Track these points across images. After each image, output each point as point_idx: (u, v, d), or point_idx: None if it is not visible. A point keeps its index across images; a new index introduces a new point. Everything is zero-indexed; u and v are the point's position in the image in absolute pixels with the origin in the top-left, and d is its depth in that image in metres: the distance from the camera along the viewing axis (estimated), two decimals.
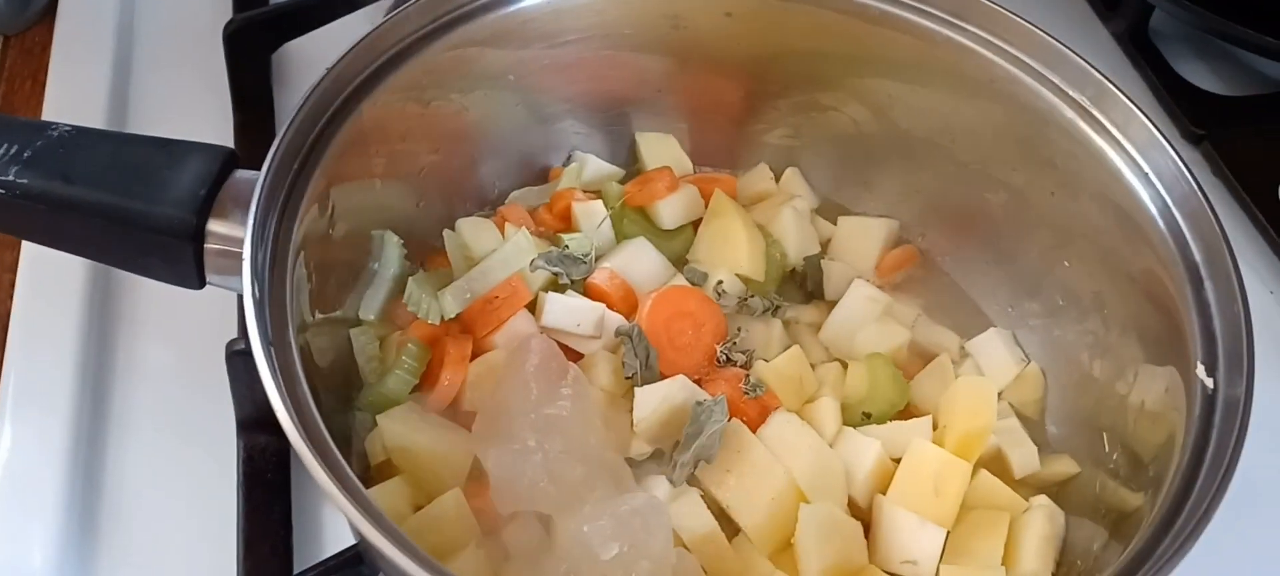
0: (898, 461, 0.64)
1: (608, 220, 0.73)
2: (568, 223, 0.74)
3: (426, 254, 0.71)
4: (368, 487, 0.56)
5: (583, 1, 0.70)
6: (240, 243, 0.52)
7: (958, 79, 0.69)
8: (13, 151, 0.56)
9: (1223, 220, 0.59)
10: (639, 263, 0.72)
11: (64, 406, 0.69)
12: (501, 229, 0.72)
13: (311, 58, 0.91)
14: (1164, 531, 0.51)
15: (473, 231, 0.71)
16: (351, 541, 0.61)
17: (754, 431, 0.64)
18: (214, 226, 0.55)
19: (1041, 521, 0.62)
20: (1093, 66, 0.64)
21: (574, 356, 0.67)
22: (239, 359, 0.64)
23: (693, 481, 0.63)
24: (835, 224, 0.78)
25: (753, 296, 0.72)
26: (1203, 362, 0.56)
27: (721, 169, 0.80)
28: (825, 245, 0.78)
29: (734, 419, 0.64)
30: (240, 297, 0.51)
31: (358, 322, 0.66)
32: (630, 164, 0.79)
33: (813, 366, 0.70)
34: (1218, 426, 0.53)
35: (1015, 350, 0.71)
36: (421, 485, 0.61)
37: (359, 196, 0.65)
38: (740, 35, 0.74)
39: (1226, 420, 0.53)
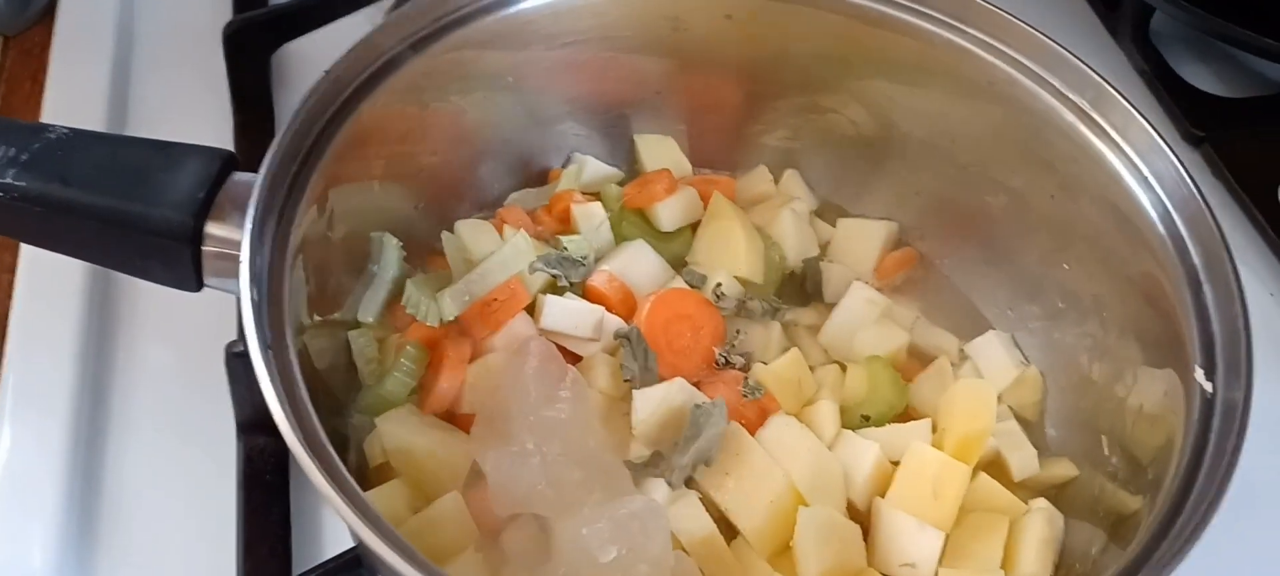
0: (897, 464, 0.64)
1: (607, 222, 0.73)
2: (567, 225, 0.74)
3: (425, 256, 0.71)
4: (366, 490, 0.56)
5: (582, 4, 0.70)
6: (238, 245, 0.52)
7: (957, 81, 0.69)
8: (10, 154, 0.56)
9: (1222, 222, 0.59)
10: (638, 265, 0.72)
11: (63, 407, 0.69)
12: (500, 231, 0.72)
13: (311, 59, 0.91)
14: (1163, 534, 0.51)
15: (472, 233, 0.71)
16: (351, 543, 0.61)
17: (753, 434, 0.64)
18: (212, 229, 0.55)
19: (1040, 524, 0.62)
20: (1092, 69, 0.64)
21: (573, 359, 0.67)
22: (238, 360, 0.64)
23: (691, 484, 0.63)
24: (834, 226, 0.78)
25: (752, 299, 0.72)
26: (1201, 365, 0.56)
27: (720, 171, 0.80)
28: (824, 247, 0.78)
29: (733, 421, 0.64)
30: (239, 299, 0.51)
31: (356, 325, 0.66)
32: (629, 166, 0.79)
33: (812, 369, 0.70)
34: (1216, 429, 0.53)
35: (1014, 353, 0.71)
36: (420, 488, 0.61)
37: (358, 198, 0.65)
38: (740, 37, 0.73)
39: (1225, 423, 0.53)
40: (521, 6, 0.68)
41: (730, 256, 0.73)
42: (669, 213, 0.74)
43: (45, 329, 0.73)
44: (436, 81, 0.67)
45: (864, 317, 0.72)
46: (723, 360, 0.69)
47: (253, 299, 0.51)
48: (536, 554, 0.57)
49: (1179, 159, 0.61)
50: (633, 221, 0.75)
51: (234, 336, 0.68)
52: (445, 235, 0.71)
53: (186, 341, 0.74)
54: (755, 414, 0.65)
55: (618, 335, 0.68)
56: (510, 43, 0.69)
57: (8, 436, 0.68)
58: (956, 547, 0.62)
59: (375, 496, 0.59)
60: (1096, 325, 0.67)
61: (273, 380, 0.49)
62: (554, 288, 0.70)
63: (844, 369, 0.70)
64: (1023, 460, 0.66)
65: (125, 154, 0.58)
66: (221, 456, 0.67)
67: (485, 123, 0.73)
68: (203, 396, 0.70)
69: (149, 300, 0.76)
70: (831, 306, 0.74)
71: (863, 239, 0.77)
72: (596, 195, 0.75)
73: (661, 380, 0.66)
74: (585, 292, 0.70)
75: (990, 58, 0.67)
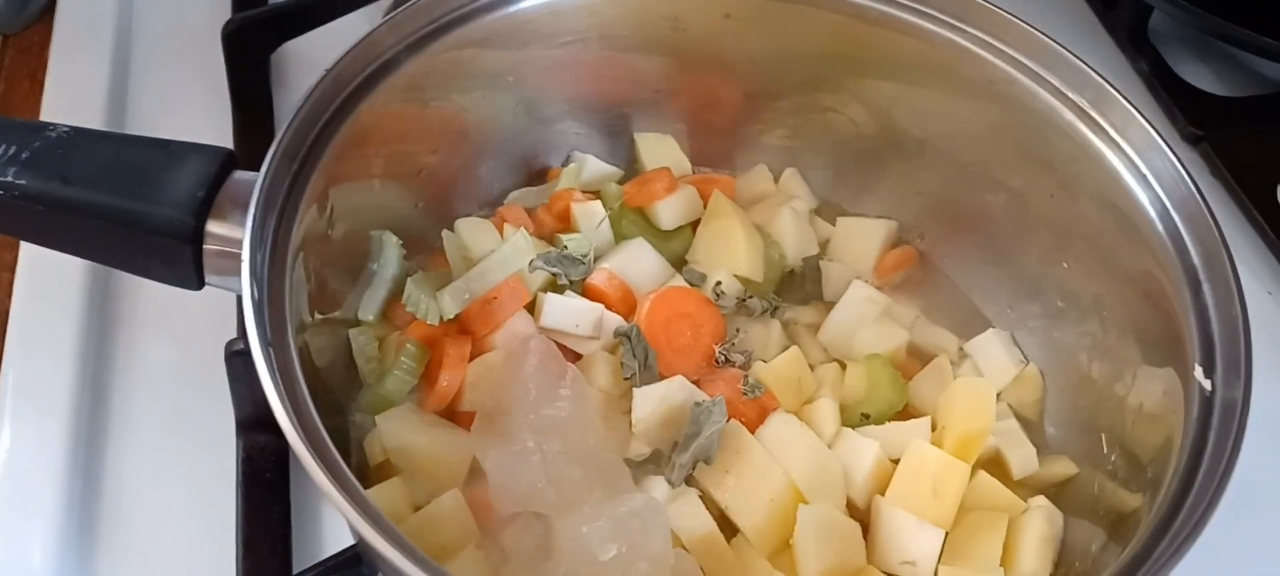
0: (896, 462, 0.64)
1: (606, 221, 0.73)
2: (566, 223, 0.74)
3: (425, 254, 0.71)
4: (366, 488, 0.56)
5: (582, 2, 0.70)
6: (239, 244, 0.52)
7: (957, 80, 0.69)
8: (11, 152, 0.56)
9: (1221, 221, 0.59)
10: (638, 263, 0.72)
11: (63, 406, 0.69)
12: (500, 229, 0.72)
13: (310, 57, 0.91)
14: (1162, 532, 0.51)
15: (471, 232, 0.71)
16: (351, 541, 0.61)
17: (753, 432, 0.64)
18: (213, 227, 0.55)
19: (1040, 522, 0.62)
20: (1092, 68, 0.64)
21: (573, 357, 0.67)
22: (238, 359, 0.64)
23: (691, 482, 0.63)
24: (834, 225, 0.78)
25: (751, 297, 0.73)
26: (1201, 364, 0.56)
27: (720, 169, 0.80)
28: (824, 246, 0.78)
29: (732, 420, 0.64)
30: (239, 298, 0.51)
31: (357, 323, 0.66)
32: (629, 164, 0.79)
33: (811, 367, 0.70)
34: (1215, 428, 0.53)
35: (1014, 351, 0.71)
36: (420, 486, 0.61)
37: (358, 197, 0.65)
38: (739, 36, 0.74)
39: (1224, 422, 0.53)
40: (521, 5, 0.68)
41: (730, 255, 0.73)
42: (669, 211, 0.75)
43: (45, 327, 0.73)
44: (436, 80, 0.67)
45: (864, 316, 0.72)
46: (722, 358, 0.69)
47: (253, 297, 0.51)
48: (537, 552, 0.57)
49: (1178, 158, 0.61)
50: (633, 220, 0.75)
51: (234, 335, 0.68)
52: (445, 233, 0.71)
53: (186, 340, 0.74)
54: (755, 412, 0.65)
55: (618, 333, 0.68)
56: (510, 41, 0.69)
57: (8, 435, 0.68)
58: (956, 545, 0.62)
59: (376, 494, 0.60)
60: (1096, 324, 0.67)
61: (274, 378, 0.49)
62: (554, 286, 0.70)
63: (844, 367, 0.71)
64: (1022, 458, 0.66)
65: (126, 152, 0.58)
66: (221, 455, 0.67)
67: (485, 121, 0.73)
68: (203, 395, 0.70)
69: (149, 298, 0.76)
70: (831, 305, 0.74)
71: (862, 237, 0.77)
72: (596, 194, 0.75)
73: (661, 378, 0.66)
74: (585, 291, 0.70)
75: (990, 57, 0.67)
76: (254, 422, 0.66)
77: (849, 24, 0.71)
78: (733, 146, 0.80)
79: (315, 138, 0.59)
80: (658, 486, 0.62)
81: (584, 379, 0.64)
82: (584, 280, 0.70)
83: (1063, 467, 0.66)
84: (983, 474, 0.65)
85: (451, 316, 0.66)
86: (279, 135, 0.57)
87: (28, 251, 0.77)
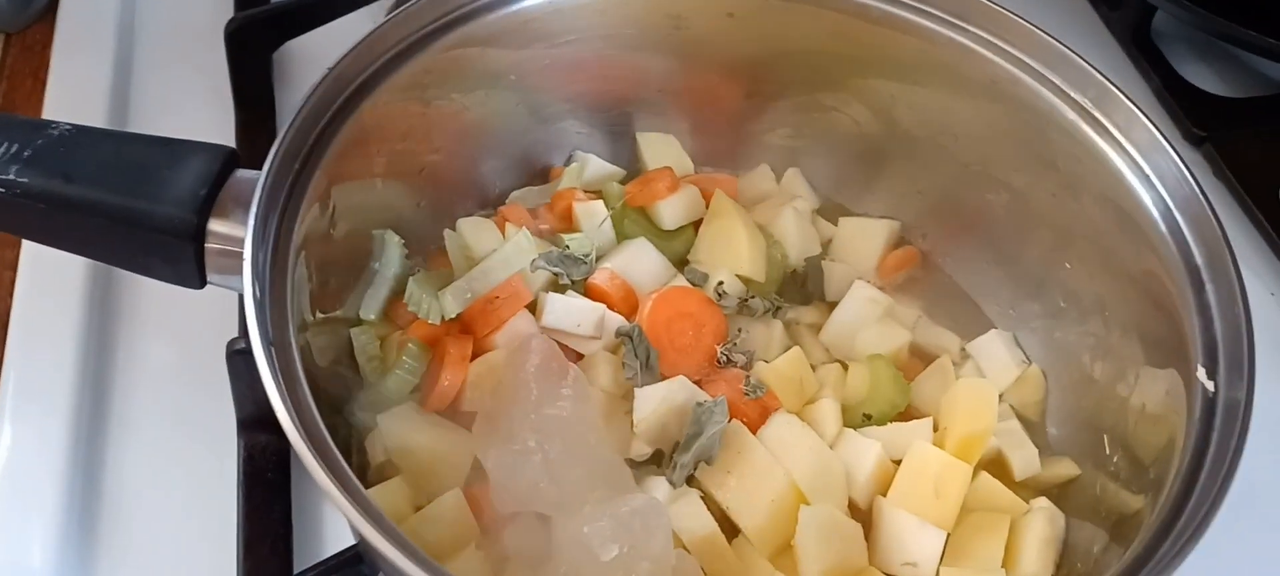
0: (898, 463, 0.64)
1: (608, 220, 0.73)
2: (568, 222, 0.74)
3: (427, 253, 0.71)
4: (368, 487, 0.56)
5: (584, 1, 0.70)
6: (241, 242, 0.52)
7: (959, 80, 0.69)
8: (13, 150, 0.56)
9: (1224, 222, 0.59)
10: (640, 263, 0.72)
11: (64, 405, 0.69)
12: (502, 229, 0.72)
13: (313, 56, 0.91)
14: (1164, 534, 0.51)
15: (473, 231, 0.71)
16: (352, 541, 0.61)
17: (754, 432, 0.64)
18: (215, 226, 0.55)
19: (1042, 523, 0.62)
20: (1094, 68, 0.64)
21: (574, 357, 0.67)
22: (239, 358, 0.64)
23: (693, 482, 0.63)
24: (836, 225, 0.78)
25: (753, 297, 0.72)
26: (1203, 365, 0.56)
27: (722, 169, 0.80)
28: (826, 246, 0.78)
29: (734, 420, 0.64)
30: (241, 297, 0.51)
31: (358, 322, 0.66)
32: (631, 164, 0.79)
33: (813, 367, 0.70)
34: (1218, 429, 0.53)
35: (1016, 352, 0.71)
36: (421, 485, 0.61)
37: (360, 196, 0.65)
38: (742, 35, 0.73)
39: (1227, 423, 0.53)
40: (524, 5, 0.68)
41: (732, 255, 0.73)
42: (671, 211, 0.74)
43: (46, 326, 0.73)
44: (438, 79, 0.67)
45: (866, 316, 0.72)
46: (724, 358, 0.69)
47: (255, 296, 0.51)
48: (538, 552, 0.57)
49: (1181, 158, 0.61)
50: (634, 219, 0.74)
51: (235, 334, 0.68)
52: (447, 233, 0.71)
53: (187, 339, 0.74)
54: (757, 412, 0.65)
55: (619, 333, 0.68)
56: (512, 41, 0.69)
57: (8, 433, 0.68)
58: (958, 546, 0.62)
59: (377, 494, 0.60)
60: (1098, 324, 0.67)
61: (275, 377, 0.49)
62: (556, 285, 0.70)
63: (845, 367, 0.70)
64: (1024, 459, 0.66)
65: (128, 151, 0.58)
66: (222, 454, 0.67)
67: (487, 120, 0.73)
68: (204, 394, 0.70)
69: (150, 297, 0.76)
70: (833, 305, 0.74)
71: (864, 237, 0.77)
72: (598, 193, 0.75)
73: (663, 378, 0.66)
74: (587, 291, 0.70)
75: (992, 56, 0.67)
76: (255, 422, 0.66)
77: (851, 23, 0.71)
78: (735, 146, 0.80)
79: (317, 136, 0.59)
80: (659, 486, 0.62)
81: (586, 379, 0.64)
82: (586, 280, 0.70)
83: (1065, 468, 0.66)
84: (985, 475, 0.65)
85: (453, 316, 0.66)
86: (281, 134, 0.57)
87: (29, 249, 0.77)
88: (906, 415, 0.68)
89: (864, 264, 0.76)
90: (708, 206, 0.76)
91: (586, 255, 0.71)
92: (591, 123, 0.78)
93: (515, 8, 0.68)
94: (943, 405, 0.68)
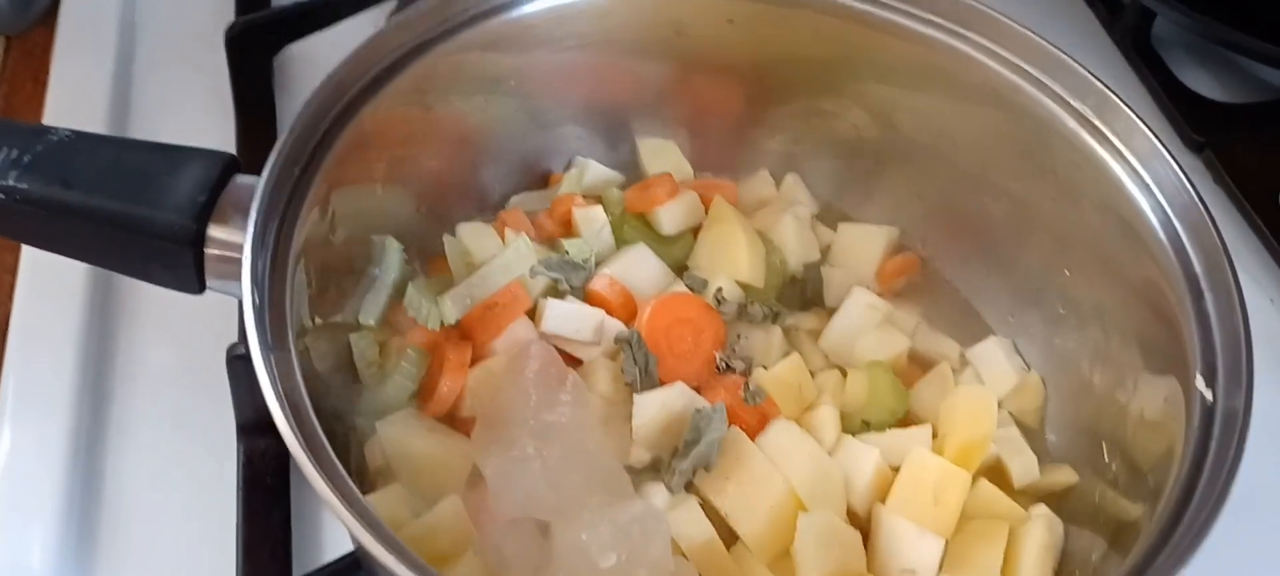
0: (897, 470, 0.64)
1: (608, 226, 0.73)
2: (568, 228, 0.74)
3: (427, 259, 0.71)
4: (366, 494, 0.56)
5: (584, 8, 0.70)
6: (240, 248, 0.52)
7: (959, 86, 0.69)
8: (13, 156, 0.56)
9: (1223, 228, 0.59)
10: (639, 269, 0.72)
11: (64, 409, 0.70)
12: (502, 234, 0.72)
13: (313, 61, 0.91)
14: (1163, 542, 0.51)
15: (473, 236, 0.71)
16: (351, 547, 0.61)
17: (753, 439, 0.64)
18: (214, 232, 0.55)
19: (1041, 531, 0.62)
20: (1094, 75, 0.64)
21: (573, 363, 0.67)
22: (239, 363, 0.64)
23: (691, 489, 0.63)
24: (835, 231, 0.78)
25: (753, 303, 0.72)
26: (1202, 374, 0.56)
27: (722, 175, 0.80)
28: (825, 252, 0.77)
29: (733, 426, 0.64)
30: (240, 302, 0.51)
31: (357, 327, 0.66)
32: (631, 170, 0.79)
33: (812, 374, 0.70)
34: (1217, 438, 0.53)
35: (1015, 359, 0.71)
36: (420, 491, 0.61)
37: (359, 201, 0.65)
38: (742, 42, 0.73)
39: (1225, 432, 0.53)
40: (524, 10, 0.68)
41: (731, 261, 0.73)
42: (670, 217, 0.74)
43: (46, 330, 0.73)
44: (439, 85, 0.67)
45: (865, 323, 0.72)
46: (723, 365, 0.69)
47: (254, 302, 0.51)
48: (536, 558, 0.57)
49: (1180, 165, 0.61)
50: (634, 225, 0.74)
51: (235, 338, 0.68)
52: (447, 238, 0.71)
53: (187, 343, 0.74)
54: (756, 419, 0.65)
55: (618, 339, 0.68)
56: (512, 46, 0.69)
57: (8, 438, 0.68)
58: (957, 554, 0.62)
59: (375, 500, 0.59)
60: (1097, 331, 0.67)
61: (274, 384, 0.49)
62: (555, 291, 0.70)
63: (845, 374, 0.70)
64: (1023, 466, 0.66)
65: (128, 157, 0.58)
66: (222, 458, 0.67)
67: (487, 126, 0.73)
68: (203, 398, 0.70)
69: (150, 302, 0.76)
70: (832, 311, 0.73)
71: (864, 244, 0.77)
72: (598, 199, 0.75)
73: (662, 384, 0.66)
74: (586, 296, 0.70)
75: (992, 63, 0.67)
76: (254, 426, 0.66)
77: (851, 30, 0.71)
78: (735, 152, 0.80)
79: (318, 142, 0.59)
80: (658, 493, 0.62)
81: (585, 385, 0.64)
82: (585, 285, 0.70)
83: (1064, 476, 0.66)
84: (984, 482, 0.65)
85: (452, 321, 0.66)
86: (281, 139, 0.57)
87: (29, 254, 0.78)
88: (905, 422, 0.68)
89: (863, 270, 0.76)
90: (707, 212, 0.76)
91: (586, 260, 0.71)
92: (591, 128, 0.78)
93: (516, 14, 0.68)
94: (942, 412, 0.68)
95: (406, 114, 0.66)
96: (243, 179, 0.57)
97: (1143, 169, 0.62)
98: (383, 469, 0.63)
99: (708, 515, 0.62)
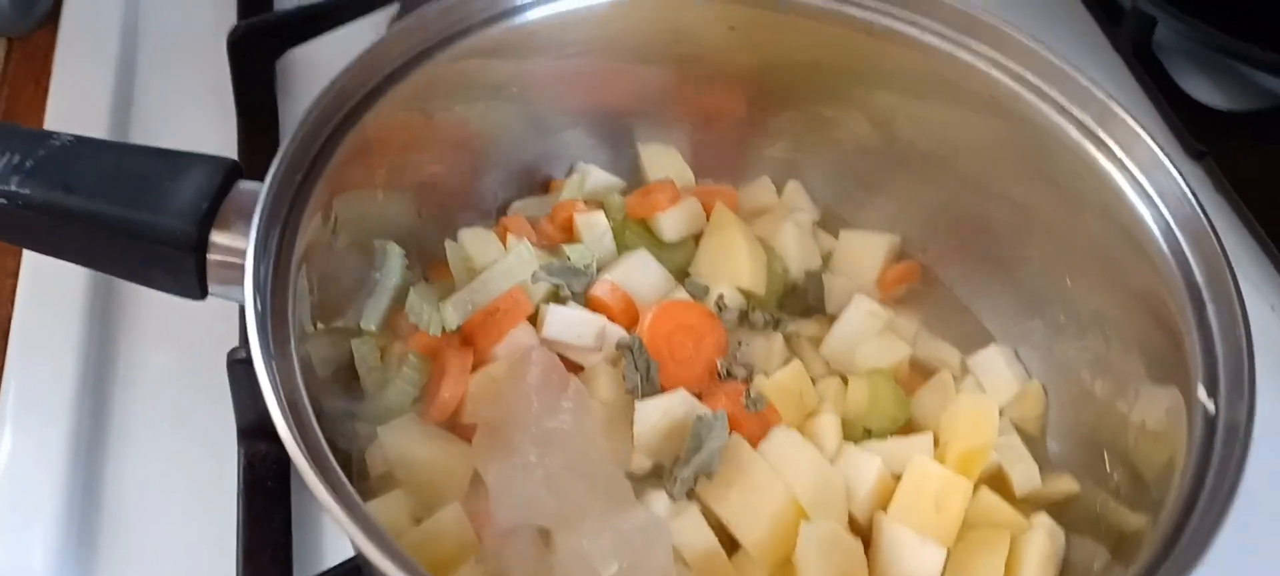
0: (898, 478, 0.64)
1: (609, 232, 0.73)
2: (569, 234, 0.74)
3: (428, 264, 0.71)
4: (367, 500, 0.56)
5: (586, 15, 0.70)
6: (242, 254, 0.52)
7: (960, 94, 0.69)
8: (15, 161, 0.56)
9: (1225, 236, 0.59)
10: (640, 275, 0.72)
11: (64, 413, 0.69)
12: (503, 240, 0.72)
13: (316, 65, 0.91)
14: (1166, 553, 0.51)
15: (475, 242, 0.71)
16: (352, 552, 0.61)
17: (754, 446, 0.64)
18: (216, 238, 0.55)
19: (1042, 540, 0.62)
20: (1095, 84, 0.64)
21: (574, 369, 0.67)
22: (240, 367, 0.64)
23: (693, 496, 0.63)
24: (837, 238, 0.78)
25: (754, 310, 0.72)
26: (1204, 384, 0.56)
27: (723, 181, 0.80)
28: (826, 259, 0.77)
29: (734, 433, 0.64)
30: (242, 308, 0.51)
31: (359, 333, 0.66)
32: (632, 176, 0.79)
33: (813, 381, 0.70)
34: (1219, 449, 0.53)
35: (1017, 367, 0.71)
36: (421, 498, 0.61)
37: (361, 207, 0.65)
38: (743, 49, 0.74)
39: (1228, 443, 0.53)
40: (526, 17, 0.68)
41: (733, 267, 0.73)
42: (672, 223, 0.74)
43: (47, 334, 0.73)
44: (441, 91, 0.67)
45: (866, 330, 0.72)
46: (725, 371, 0.69)
47: (256, 308, 0.51)
48: (538, 566, 0.57)
49: (1182, 174, 0.61)
50: (635, 231, 0.74)
51: (236, 342, 0.68)
52: (448, 244, 0.71)
53: (188, 347, 0.74)
54: (757, 426, 0.65)
55: (620, 345, 0.68)
56: (515, 53, 0.69)
57: (9, 442, 0.68)
58: (958, 562, 0.62)
59: (376, 506, 0.59)
60: (1099, 340, 0.67)
61: (275, 390, 0.49)
62: (556, 297, 0.70)
63: (846, 381, 0.70)
64: (1025, 474, 0.66)
65: (130, 162, 0.58)
66: (223, 462, 0.67)
67: (489, 132, 0.73)
68: (204, 402, 0.70)
69: (151, 306, 0.76)
70: (833, 318, 0.73)
71: (865, 251, 0.77)
72: (599, 205, 0.75)
73: (663, 391, 0.66)
74: (588, 302, 0.70)
75: (993, 71, 0.67)
76: (255, 431, 0.66)
77: (852, 37, 0.71)
78: (736, 158, 0.80)
79: (320, 148, 0.59)
80: (659, 500, 0.62)
81: (586, 391, 0.64)
82: (587, 291, 0.70)
83: (1065, 484, 0.66)
84: (985, 490, 0.64)
85: (454, 327, 0.66)
86: (284, 145, 0.57)
87: (30, 259, 0.77)
88: (907, 430, 0.68)
89: (864, 277, 0.76)
90: (708, 219, 0.76)
91: (587, 266, 0.71)
92: (593, 134, 0.78)
93: (518, 20, 0.68)
94: (943, 420, 0.68)
95: (408, 120, 0.66)
96: (245, 185, 0.57)
97: (1144, 177, 0.62)
98: (384, 475, 0.62)
99: (709, 523, 0.61)
